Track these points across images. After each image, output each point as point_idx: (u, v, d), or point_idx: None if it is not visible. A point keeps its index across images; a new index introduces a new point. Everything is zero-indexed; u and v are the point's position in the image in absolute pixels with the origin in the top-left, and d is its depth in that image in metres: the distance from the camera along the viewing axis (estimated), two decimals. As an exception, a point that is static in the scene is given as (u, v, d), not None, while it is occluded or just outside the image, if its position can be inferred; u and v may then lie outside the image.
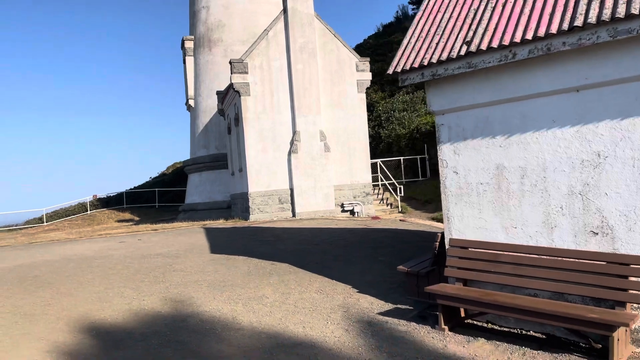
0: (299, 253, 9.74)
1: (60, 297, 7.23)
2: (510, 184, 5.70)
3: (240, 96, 16.46)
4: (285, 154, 16.70)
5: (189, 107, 26.44)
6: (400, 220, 15.27)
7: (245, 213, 17.21)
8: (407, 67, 6.10)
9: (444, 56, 5.80)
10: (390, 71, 6.28)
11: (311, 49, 16.71)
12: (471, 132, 6.00)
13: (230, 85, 19.05)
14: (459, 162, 6.10)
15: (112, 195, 38.64)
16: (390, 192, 18.87)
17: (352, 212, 16.98)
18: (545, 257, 5.42)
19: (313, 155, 16.71)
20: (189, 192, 26.21)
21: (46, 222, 33.98)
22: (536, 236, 5.54)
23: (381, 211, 17.61)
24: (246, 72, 16.41)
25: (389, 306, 6.53)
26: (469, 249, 5.93)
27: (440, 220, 15.01)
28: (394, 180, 18.79)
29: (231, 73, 16.49)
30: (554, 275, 5.28)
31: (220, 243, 11.46)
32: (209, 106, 24.46)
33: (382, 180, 19.67)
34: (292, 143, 16.69)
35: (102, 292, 7.43)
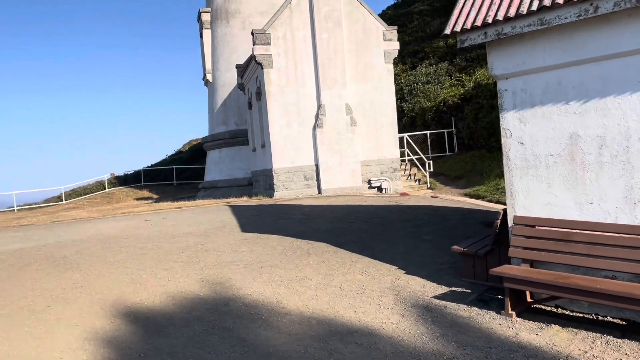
0: (335, 232, 9.29)
1: (92, 278, 6.88)
2: (585, 155, 5.12)
3: (262, 69, 15.85)
4: (309, 128, 16.14)
5: (206, 82, 25.87)
6: (431, 196, 14.72)
7: (269, 190, 16.79)
8: (468, 26, 5.48)
9: (512, 12, 5.17)
10: (447, 31, 5.67)
11: (336, 18, 15.96)
12: (540, 98, 5.40)
13: (252, 58, 18.41)
14: (525, 131, 5.52)
15: (129, 173, 38.57)
16: (418, 168, 18.26)
17: (379, 188, 16.45)
18: (626, 235, 4.87)
19: (339, 129, 16.13)
20: (208, 169, 25.86)
21: (65, 200, 34.07)
22: (616, 213, 4.98)
23: (409, 187, 17.06)
24: (269, 43, 15.77)
25: (443, 289, 6.06)
26: (536, 227, 5.40)
27: (473, 196, 14.43)
28: (422, 155, 18.16)
29: (253, 44, 15.86)
30: (636, 256, 4.74)
31: (250, 221, 11.05)
32: (228, 81, 23.86)
33: (408, 156, 19.05)
34: (317, 117, 16.11)
35: (135, 274, 7.06)
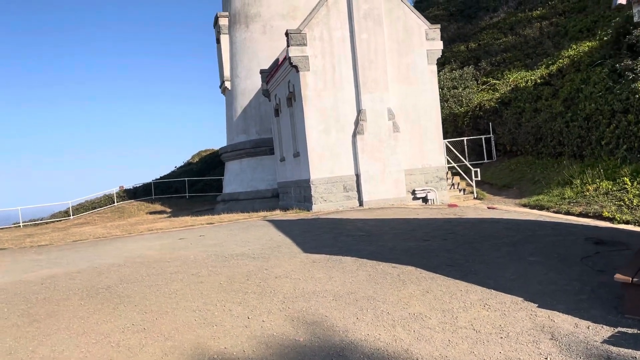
0: (415, 252, 8.03)
1: (153, 317, 5.61)
2: None
3: (298, 71, 14.67)
4: (349, 135, 14.94)
5: (224, 90, 24.72)
6: (488, 207, 13.48)
7: (305, 203, 15.53)
8: (654, -6, 4.29)
9: None
10: (622, 0, 4.48)
11: (376, 16, 14.82)
12: None
13: (277, 62, 17.31)
14: None
15: (138, 185, 37.33)
16: (461, 176, 17.04)
17: (424, 199, 15.21)
18: None
19: (381, 136, 14.92)
20: (228, 180, 24.61)
21: (73, 215, 32.81)
22: None
23: (454, 198, 15.84)
24: (305, 44, 14.59)
25: (606, 330, 4.79)
26: None
27: (534, 207, 13.19)
28: (466, 163, 16.95)
29: (287, 45, 14.70)
30: None
31: (305, 239, 9.79)
32: (248, 88, 22.73)
33: (449, 163, 17.85)
34: (356, 123, 14.91)
35: (203, 310, 5.80)
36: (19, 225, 30.98)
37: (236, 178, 23.49)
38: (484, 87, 23.96)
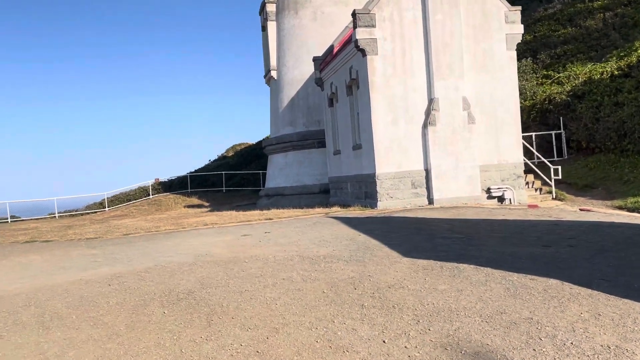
0: (544, 260, 6.73)
1: (262, 335, 4.47)
2: None
3: (365, 55, 13.43)
4: (419, 126, 13.64)
5: (269, 80, 23.66)
6: (580, 209, 12.03)
7: (366, 199, 14.31)
8: None
9: None
10: None
11: (453, -4, 13.48)
12: None
13: (342, 45, 16.09)
14: None
15: (173, 178, 36.66)
16: (535, 174, 15.55)
17: (500, 198, 13.82)
18: None
19: (454, 127, 13.58)
20: (272, 175, 23.54)
21: (108, 207, 32.32)
22: None
23: (531, 197, 14.41)
24: (373, 26, 13.34)
25: None
26: None
27: (634, 210, 11.69)
28: (544, 160, 15.48)
29: (354, 27, 13.48)
30: None
31: (393, 241, 8.57)
32: (296, 77, 21.59)
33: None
34: (427, 113, 13.60)
35: (320, 327, 4.64)
36: (55, 216, 30.60)
37: (281, 172, 22.40)
38: (548, 80, 22.33)
